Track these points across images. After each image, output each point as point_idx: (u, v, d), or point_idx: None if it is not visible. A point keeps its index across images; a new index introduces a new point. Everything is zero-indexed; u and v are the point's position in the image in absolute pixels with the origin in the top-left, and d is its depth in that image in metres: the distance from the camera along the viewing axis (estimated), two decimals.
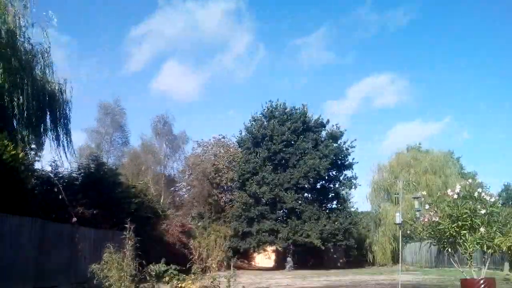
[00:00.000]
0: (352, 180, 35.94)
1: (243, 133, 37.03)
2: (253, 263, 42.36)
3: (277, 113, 36.33)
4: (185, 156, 40.79)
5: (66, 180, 18.49)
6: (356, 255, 41.30)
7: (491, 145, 79.83)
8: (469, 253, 7.96)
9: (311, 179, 33.77)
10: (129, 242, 9.47)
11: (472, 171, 44.62)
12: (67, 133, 17.85)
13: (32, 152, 16.81)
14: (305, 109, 36.42)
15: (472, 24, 75.67)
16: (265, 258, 41.99)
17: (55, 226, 14.74)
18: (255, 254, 41.55)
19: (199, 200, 37.05)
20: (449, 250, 8.50)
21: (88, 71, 70.24)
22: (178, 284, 10.10)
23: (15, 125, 15.88)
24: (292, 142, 35.10)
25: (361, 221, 39.17)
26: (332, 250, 38.98)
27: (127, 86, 75.45)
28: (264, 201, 34.27)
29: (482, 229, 7.70)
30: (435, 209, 8.56)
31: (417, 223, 9.29)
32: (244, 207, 34.09)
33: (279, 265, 37.74)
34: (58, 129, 17.54)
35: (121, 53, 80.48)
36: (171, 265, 10.44)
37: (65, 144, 17.76)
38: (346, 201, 37.25)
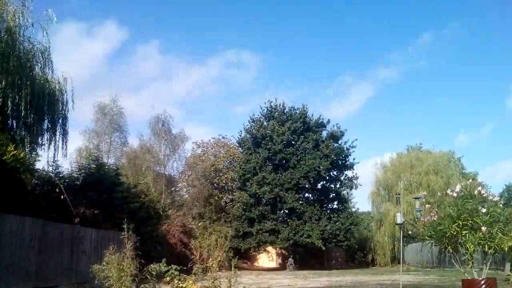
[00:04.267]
0: (353, 180, 35.94)
1: (243, 134, 37.09)
2: (255, 264, 42.35)
3: (276, 113, 36.34)
4: (185, 157, 40.73)
5: (67, 180, 18.54)
6: (357, 255, 41.30)
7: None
8: (470, 253, 7.92)
9: (311, 179, 33.74)
10: (130, 242, 9.45)
11: (473, 171, 44.55)
12: (64, 133, 17.83)
13: (34, 152, 16.84)
14: (304, 109, 36.46)
15: None
16: (267, 259, 42.03)
17: (56, 226, 14.72)
18: (257, 255, 41.57)
19: (199, 200, 37.02)
20: (450, 250, 8.46)
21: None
22: (179, 284, 10.07)
23: (13, 125, 15.87)
24: (292, 142, 35.08)
25: (362, 221, 39.19)
26: (333, 250, 39.00)
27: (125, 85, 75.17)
28: (264, 201, 34.30)
29: (483, 229, 7.67)
30: (436, 209, 8.55)
31: (418, 224, 9.26)
32: (244, 207, 34.12)
33: (281, 265, 37.78)
34: (56, 129, 17.50)
35: None
36: (172, 265, 10.42)
37: (61, 145, 17.76)
38: (347, 201, 37.27)
